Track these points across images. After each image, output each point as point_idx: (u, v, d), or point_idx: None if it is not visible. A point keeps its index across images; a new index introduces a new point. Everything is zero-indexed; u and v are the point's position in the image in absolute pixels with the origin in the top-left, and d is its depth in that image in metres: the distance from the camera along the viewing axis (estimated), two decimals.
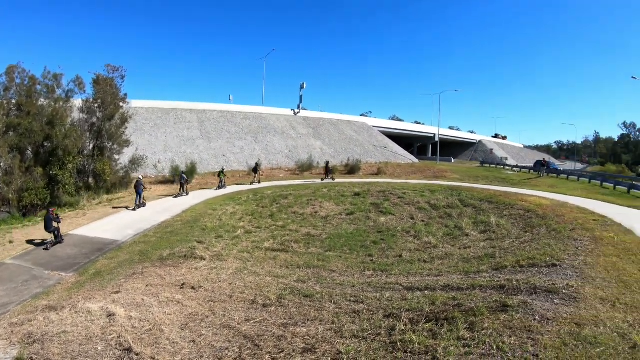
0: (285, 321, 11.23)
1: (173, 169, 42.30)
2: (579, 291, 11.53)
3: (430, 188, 38.86)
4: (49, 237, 22.01)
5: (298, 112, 76.18)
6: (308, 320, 11.20)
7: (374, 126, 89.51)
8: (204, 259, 18.33)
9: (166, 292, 13.65)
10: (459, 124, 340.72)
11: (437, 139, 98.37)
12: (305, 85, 78.92)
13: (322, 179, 47.17)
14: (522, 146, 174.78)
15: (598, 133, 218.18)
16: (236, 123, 62.91)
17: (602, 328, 9.19)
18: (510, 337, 8.71)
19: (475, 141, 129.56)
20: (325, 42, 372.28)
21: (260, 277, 16.06)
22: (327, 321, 11.01)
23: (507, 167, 70.94)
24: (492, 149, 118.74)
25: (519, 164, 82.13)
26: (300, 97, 78.29)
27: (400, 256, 20.71)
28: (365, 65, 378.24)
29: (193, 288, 14.35)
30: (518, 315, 9.82)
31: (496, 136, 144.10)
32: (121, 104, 38.38)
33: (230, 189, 40.15)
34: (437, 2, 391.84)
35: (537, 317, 9.70)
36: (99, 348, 9.37)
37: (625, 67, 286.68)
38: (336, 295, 13.70)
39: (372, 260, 20.12)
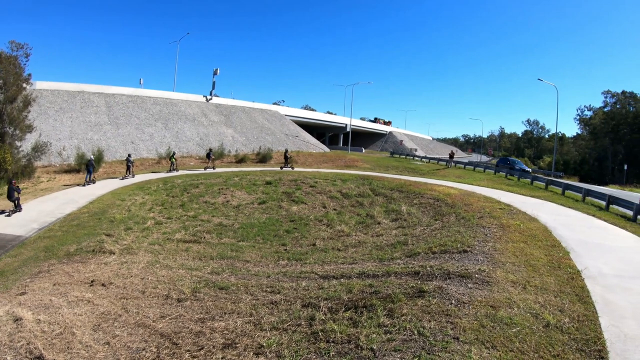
0: (202, 316, 10.87)
1: (79, 157, 40.11)
2: (491, 275, 11.93)
3: (341, 177, 39.49)
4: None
5: (210, 99, 74.19)
6: (225, 313, 10.91)
7: (286, 115, 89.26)
8: (114, 253, 17.53)
9: (75, 291, 12.84)
10: (370, 115, 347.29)
11: (348, 129, 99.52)
12: (218, 72, 76.54)
13: (281, 167, 47.14)
14: (431, 138, 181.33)
15: (503, 128, 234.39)
16: (146, 108, 60.38)
17: (516, 309, 9.54)
18: (430, 321, 8.82)
19: (385, 132, 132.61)
20: (240, 30, 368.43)
21: (173, 271, 15.56)
22: (245, 314, 10.76)
23: (416, 158, 72.91)
24: (402, 140, 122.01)
25: (428, 155, 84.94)
26: (213, 83, 75.92)
27: (314, 245, 20.93)
28: (279, 53, 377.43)
29: (103, 285, 13.63)
30: (435, 300, 9.97)
31: (376, 120, 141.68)
32: (25, 85, 35.61)
33: (150, 176, 39.18)
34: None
35: (453, 301, 9.90)
36: (8, 358, 8.77)
37: (533, 69, 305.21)
38: (252, 286, 13.49)
39: (286, 250, 20.21)
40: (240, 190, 33.51)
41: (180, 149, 54.04)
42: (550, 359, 7.60)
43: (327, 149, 77.82)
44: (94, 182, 35.46)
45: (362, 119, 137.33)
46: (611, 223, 22.33)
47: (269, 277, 14.98)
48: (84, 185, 34.05)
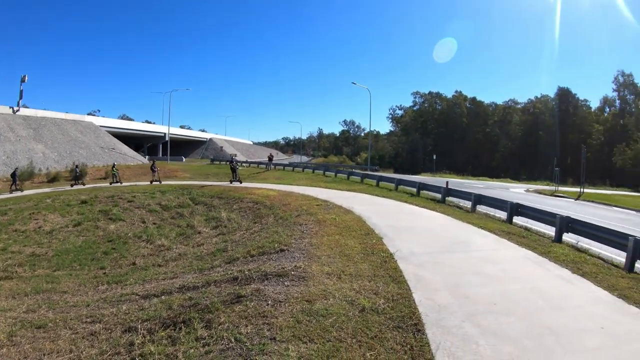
0: None
1: None
2: (307, 270, 12.21)
3: (160, 189, 38.77)
4: None
5: (18, 110, 67.00)
6: (44, 355, 9.97)
7: (101, 126, 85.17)
8: None
9: None
10: (191, 122, 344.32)
11: (167, 139, 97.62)
12: (26, 79, 69.40)
13: (110, 183, 45.14)
14: (251, 143, 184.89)
15: (322, 129, 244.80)
16: None
17: (331, 300, 9.85)
18: (247, 326, 8.78)
19: (206, 139, 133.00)
20: (53, 32, 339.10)
21: None
22: (64, 351, 9.97)
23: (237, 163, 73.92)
24: (222, 147, 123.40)
25: (249, 160, 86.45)
26: (21, 92, 68.27)
27: (134, 264, 20.42)
28: (95, 58, 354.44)
29: None
30: (252, 304, 9.95)
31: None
32: None
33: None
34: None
35: (270, 302, 9.96)
36: None
37: (348, 72, 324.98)
38: (71, 319, 12.53)
39: (105, 273, 19.41)
40: (53, 213, 31.27)
41: None
42: (368, 342, 7.93)
43: (145, 160, 75.74)
44: (21, 191, 40.78)
45: (182, 127, 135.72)
46: (422, 207, 24.64)
47: (88, 306, 14.14)
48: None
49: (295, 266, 12.78)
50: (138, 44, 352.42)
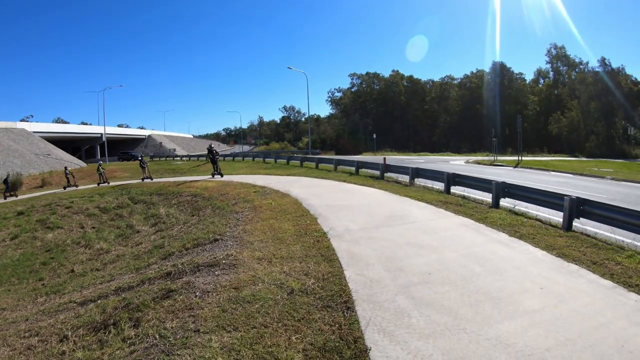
0: None
1: None
2: (238, 257, 12.02)
3: (99, 191, 37.88)
4: None
5: None
6: None
7: (35, 132, 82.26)
8: None
9: None
10: (130, 121, 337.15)
11: (104, 139, 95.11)
12: None
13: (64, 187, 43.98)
14: (192, 136, 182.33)
15: (262, 117, 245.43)
16: None
17: (260, 285, 9.71)
18: (172, 320, 8.60)
19: (145, 136, 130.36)
20: None
21: None
22: None
23: (177, 158, 73.26)
24: (161, 142, 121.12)
25: (190, 154, 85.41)
26: None
27: (73, 271, 19.84)
28: (26, 60, 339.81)
29: None
30: (181, 297, 9.76)
31: None
32: None
33: None
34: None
35: (198, 294, 9.77)
36: None
37: (285, 58, 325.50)
38: (10, 336, 12.01)
39: (43, 284, 18.79)
40: None
41: None
42: (295, 324, 7.86)
43: (83, 164, 73.74)
44: (16, 196, 40.69)
45: (120, 125, 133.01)
46: (360, 184, 24.87)
47: (27, 320, 13.58)
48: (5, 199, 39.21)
49: (227, 254, 12.56)
50: (67, 44, 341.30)
